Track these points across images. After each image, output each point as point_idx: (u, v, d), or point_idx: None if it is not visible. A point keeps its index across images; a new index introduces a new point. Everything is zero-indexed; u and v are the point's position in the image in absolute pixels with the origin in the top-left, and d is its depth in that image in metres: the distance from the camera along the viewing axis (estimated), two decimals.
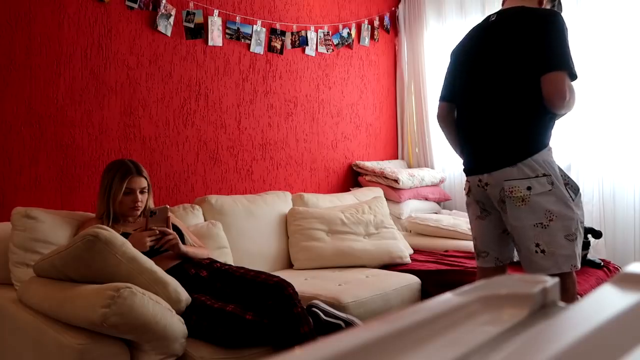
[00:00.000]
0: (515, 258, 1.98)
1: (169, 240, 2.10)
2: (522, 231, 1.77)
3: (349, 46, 3.98)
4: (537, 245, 1.75)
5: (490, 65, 1.85)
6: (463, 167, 2.05)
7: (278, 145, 3.50)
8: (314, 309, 2.06)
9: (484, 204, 1.94)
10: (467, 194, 2.04)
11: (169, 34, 2.95)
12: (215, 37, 3.16)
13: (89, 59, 2.66)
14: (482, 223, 1.97)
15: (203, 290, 2.02)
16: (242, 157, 3.31)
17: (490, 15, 1.95)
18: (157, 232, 2.08)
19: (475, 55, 1.92)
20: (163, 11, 2.91)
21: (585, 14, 3.41)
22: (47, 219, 2.15)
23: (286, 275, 2.28)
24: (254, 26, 3.33)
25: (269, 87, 3.45)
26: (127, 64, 2.80)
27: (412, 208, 3.82)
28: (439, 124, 2.13)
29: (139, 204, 2.18)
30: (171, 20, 2.95)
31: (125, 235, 1.95)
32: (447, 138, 2.16)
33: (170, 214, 2.17)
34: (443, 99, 2.10)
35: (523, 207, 1.75)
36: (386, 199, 3.62)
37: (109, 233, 1.72)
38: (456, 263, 2.87)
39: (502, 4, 2.01)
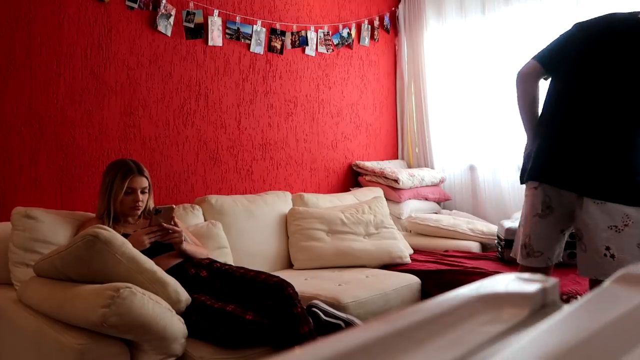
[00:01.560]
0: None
1: (174, 237, 2.10)
2: (594, 231, 1.68)
3: (349, 46, 3.98)
4: (608, 248, 1.66)
5: (630, 73, 1.72)
6: (541, 163, 1.82)
7: (278, 145, 3.50)
8: (314, 309, 2.06)
9: (550, 200, 1.80)
10: (535, 188, 1.84)
11: (169, 34, 2.95)
12: (215, 37, 3.15)
13: (89, 59, 2.66)
14: (541, 222, 1.83)
15: (203, 290, 2.02)
16: (242, 157, 3.31)
17: (638, 12, 1.78)
18: (160, 229, 2.07)
19: (613, 54, 1.75)
20: (163, 11, 2.91)
21: (585, 15, 3.41)
22: (47, 219, 2.15)
23: (286, 275, 2.28)
24: (254, 26, 3.33)
25: (269, 87, 3.45)
26: (127, 64, 2.79)
27: (412, 208, 3.82)
28: (520, 81, 1.91)
29: (140, 203, 2.18)
30: (171, 20, 2.95)
31: (125, 236, 1.95)
32: (521, 100, 1.93)
33: (174, 214, 2.16)
34: (541, 60, 1.88)
35: (601, 205, 1.67)
36: (386, 199, 3.62)
37: (109, 233, 1.72)
38: (456, 263, 2.87)
39: None
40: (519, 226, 1.97)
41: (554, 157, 1.80)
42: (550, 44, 1.92)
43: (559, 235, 1.86)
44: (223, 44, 3.20)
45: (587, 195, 1.71)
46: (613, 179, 1.69)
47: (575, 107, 1.80)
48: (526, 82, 1.90)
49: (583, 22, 1.90)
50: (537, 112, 1.93)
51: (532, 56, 1.93)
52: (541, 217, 1.83)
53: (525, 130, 1.96)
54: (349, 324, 2.06)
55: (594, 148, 1.73)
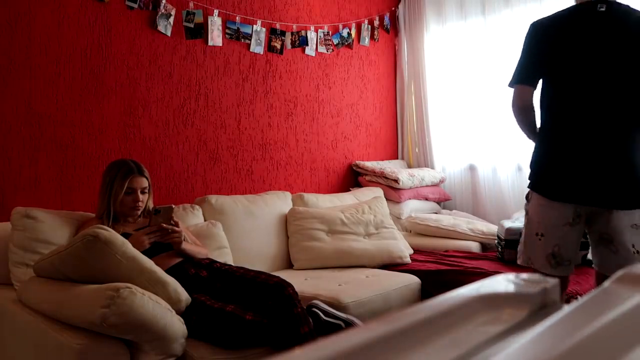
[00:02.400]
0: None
1: (174, 237, 2.10)
2: (623, 232, 1.79)
3: (349, 46, 3.98)
4: (633, 246, 1.78)
5: (611, 67, 1.76)
6: (564, 182, 1.81)
7: (278, 145, 3.50)
8: (314, 309, 2.06)
9: (580, 208, 1.82)
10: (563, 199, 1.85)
11: (168, 33, 2.95)
12: (215, 37, 3.15)
13: (89, 59, 2.66)
14: (571, 230, 1.84)
15: (203, 290, 2.02)
16: (242, 157, 3.31)
17: (597, 4, 1.80)
18: (160, 229, 2.07)
19: (589, 48, 1.77)
20: (163, 11, 2.91)
21: None
22: (47, 219, 2.15)
23: (286, 275, 2.28)
24: (254, 26, 3.33)
25: (269, 87, 3.45)
26: (127, 64, 2.79)
27: (412, 208, 3.82)
28: (517, 112, 1.88)
29: (140, 203, 2.18)
30: (171, 20, 2.95)
31: (125, 235, 1.95)
32: (526, 128, 1.92)
33: (174, 214, 2.16)
34: (528, 82, 1.86)
35: (628, 211, 1.79)
36: (386, 199, 3.62)
37: (109, 233, 1.72)
38: (456, 263, 2.87)
39: None
40: (534, 235, 1.88)
41: (576, 175, 1.80)
42: (520, 60, 1.91)
43: (580, 241, 1.91)
44: (223, 43, 3.20)
45: (618, 209, 1.80)
46: (634, 189, 1.79)
47: (569, 113, 1.82)
48: (523, 111, 1.89)
49: (539, 20, 1.90)
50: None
51: (512, 82, 1.91)
52: (572, 225, 1.84)
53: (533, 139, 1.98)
54: (349, 324, 2.06)
55: (609, 158, 1.77)
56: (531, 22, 1.93)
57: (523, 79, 1.88)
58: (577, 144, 1.80)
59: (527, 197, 1.97)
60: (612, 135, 1.78)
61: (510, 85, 1.93)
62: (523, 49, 1.91)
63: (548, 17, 1.89)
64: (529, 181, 1.95)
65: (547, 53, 1.84)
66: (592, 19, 1.79)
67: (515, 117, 1.93)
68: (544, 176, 1.86)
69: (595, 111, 1.79)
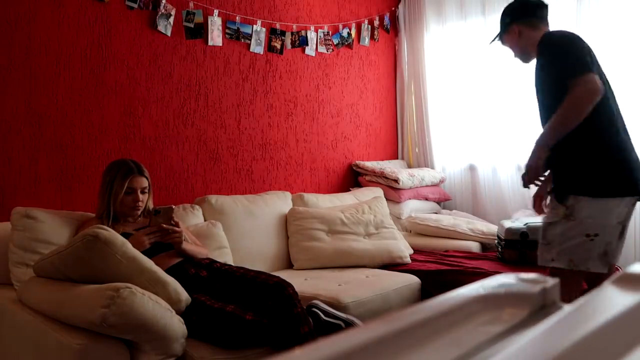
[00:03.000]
0: None
1: (175, 237, 2.10)
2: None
3: (349, 46, 3.98)
4: None
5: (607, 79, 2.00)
6: (627, 178, 1.90)
7: (278, 145, 3.50)
8: (314, 309, 2.06)
9: (635, 200, 1.97)
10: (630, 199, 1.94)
11: (168, 33, 2.95)
12: (215, 37, 3.15)
13: (89, 59, 2.66)
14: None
15: (203, 290, 2.02)
16: (242, 157, 3.31)
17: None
18: (160, 229, 2.07)
19: (597, 61, 1.97)
20: (163, 11, 2.91)
21: (586, 16, 3.41)
22: (47, 219, 2.15)
23: (286, 275, 2.28)
24: (254, 26, 3.33)
25: (269, 87, 3.44)
26: (127, 63, 2.79)
27: (412, 208, 3.82)
28: (596, 99, 1.80)
29: (140, 203, 2.18)
30: (171, 20, 2.95)
31: (125, 235, 1.95)
32: (582, 119, 1.82)
33: (174, 214, 2.16)
34: (593, 70, 1.84)
35: None
36: (386, 199, 3.62)
37: (109, 233, 1.72)
38: (456, 263, 2.87)
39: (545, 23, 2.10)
40: (584, 236, 1.86)
41: (635, 169, 1.92)
42: (575, 54, 1.88)
43: None
44: (223, 43, 3.20)
45: None
46: None
47: (614, 113, 1.97)
48: (599, 95, 1.81)
49: (564, 30, 2.10)
50: None
51: (584, 69, 1.82)
52: (622, 223, 1.94)
53: (554, 138, 1.87)
54: (349, 324, 2.06)
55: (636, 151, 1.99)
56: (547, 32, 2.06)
57: (589, 67, 1.84)
58: (623, 142, 1.94)
59: (562, 202, 1.90)
60: (628, 131, 2.01)
61: (583, 73, 1.83)
62: (571, 45, 1.92)
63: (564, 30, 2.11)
64: (561, 187, 1.93)
65: (585, 55, 1.91)
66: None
67: (587, 105, 1.81)
68: (608, 177, 1.88)
69: (619, 112, 1.99)
